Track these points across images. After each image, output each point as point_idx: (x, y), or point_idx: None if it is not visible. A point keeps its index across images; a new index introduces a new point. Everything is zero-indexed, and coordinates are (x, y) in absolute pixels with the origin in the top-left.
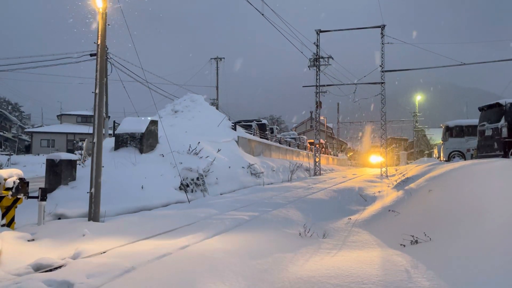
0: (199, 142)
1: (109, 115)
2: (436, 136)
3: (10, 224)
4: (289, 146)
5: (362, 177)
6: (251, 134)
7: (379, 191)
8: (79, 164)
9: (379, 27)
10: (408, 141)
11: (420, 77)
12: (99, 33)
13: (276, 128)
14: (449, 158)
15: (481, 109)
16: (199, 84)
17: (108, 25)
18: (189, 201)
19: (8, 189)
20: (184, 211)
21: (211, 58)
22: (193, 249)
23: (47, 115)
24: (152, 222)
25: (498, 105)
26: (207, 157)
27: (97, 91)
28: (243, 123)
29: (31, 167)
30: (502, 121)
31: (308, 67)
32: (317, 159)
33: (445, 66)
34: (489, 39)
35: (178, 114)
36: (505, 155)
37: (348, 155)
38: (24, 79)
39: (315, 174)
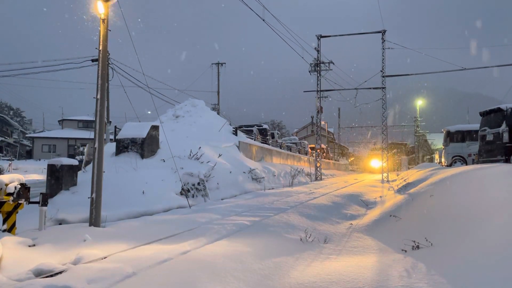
0: (200, 147)
1: (110, 120)
2: (437, 141)
3: (11, 230)
4: (290, 151)
5: (364, 182)
6: (252, 139)
7: (380, 196)
8: (81, 169)
9: (379, 32)
10: (409, 146)
11: (421, 82)
12: (101, 38)
13: (277, 133)
14: (451, 163)
15: (482, 114)
16: (200, 89)
17: (109, 30)
18: (190, 206)
19: (9, 194)
20: (185, 216)
21: (212, 63)
22: (194, 254)
23: (48, 120)
24: (153, 227)
25: (499, 110)
26: (208, 162)
27: (98, 96)
28: (244, 128)
29: (32, 173)
30: (503, 126)
31: (309, 72)
32: (318, 164)
33: (446, 71)
34: (491, 44)
35: (179, 119)
36: (507, 160)
37: (349, 160)
38: (25, 85)
39: (316, 179)
